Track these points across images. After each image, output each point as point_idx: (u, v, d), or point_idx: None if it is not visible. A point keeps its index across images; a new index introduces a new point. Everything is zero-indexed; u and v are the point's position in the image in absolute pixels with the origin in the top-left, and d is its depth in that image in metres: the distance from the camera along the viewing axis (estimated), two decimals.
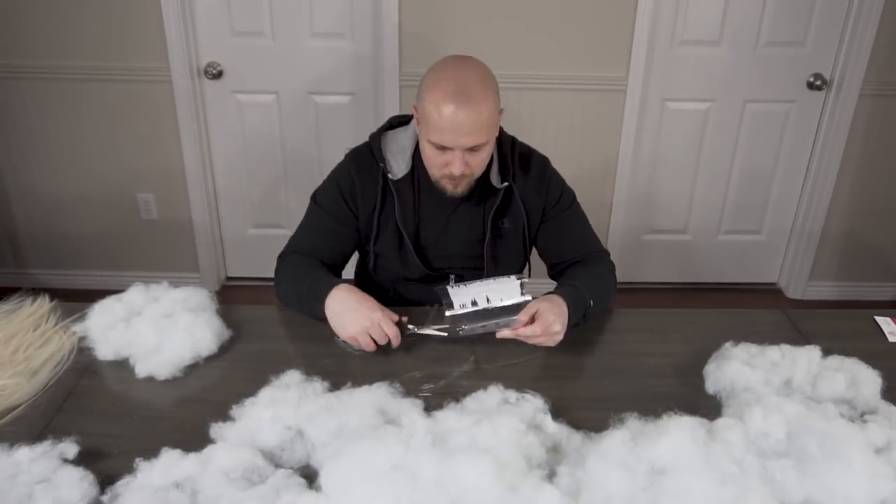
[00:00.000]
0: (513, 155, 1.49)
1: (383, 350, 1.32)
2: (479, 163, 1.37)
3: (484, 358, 1.32)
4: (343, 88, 2.68)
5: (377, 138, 1.47)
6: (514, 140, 1.52)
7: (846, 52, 2.62)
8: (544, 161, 1.54)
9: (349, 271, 1.61)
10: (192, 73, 2.59)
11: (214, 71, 2.61)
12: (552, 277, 1.59)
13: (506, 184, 1.45)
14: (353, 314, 1.29)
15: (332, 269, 1.51)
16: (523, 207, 1.49)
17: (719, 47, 2.65)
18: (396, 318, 1.32)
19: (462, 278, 1.53)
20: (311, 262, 1.46)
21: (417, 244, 1.50)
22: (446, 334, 1.33)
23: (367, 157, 1.48)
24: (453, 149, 1.31)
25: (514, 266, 1.57)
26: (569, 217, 1.54)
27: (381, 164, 1.44)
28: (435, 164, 1.37)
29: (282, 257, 1.50)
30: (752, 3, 2.58)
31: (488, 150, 1.37)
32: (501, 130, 1.51)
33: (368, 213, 1.47)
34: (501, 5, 2.51)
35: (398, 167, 1.45)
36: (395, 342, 1.30)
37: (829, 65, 2.68)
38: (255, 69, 2.64)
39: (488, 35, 2.53)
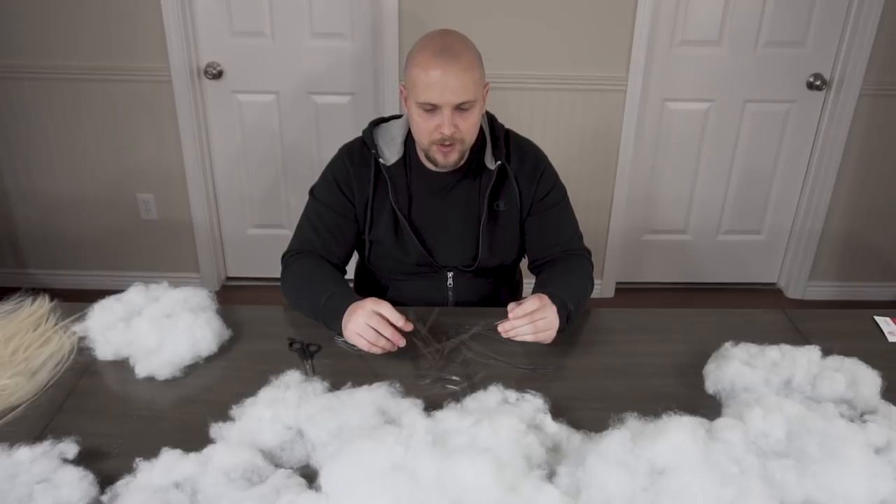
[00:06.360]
0: (507, 140, 1.50)
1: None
2: (468, 127, 1.35)
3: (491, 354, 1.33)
4: (343, 88, 2.68)
5: (368, 131, 1.49)
6: (509, 130, 1.53)
7: (846, 52, 2.62)
8: (541, 153, 1.54)
9: (349, 272, 1.61)
10: (192, 73, 2.59)
11: (214, 71, 2.62)
12: (531, 271, 1.58)
13: (499, 162, 1.45)
14: (349, 317, 1.27)
15: (339, 263, 1.51)
16: (517, 189, 1.49)
17: (719, 47, 2.65)
18: (401, 317, 1.25)
19: (461, 273, 1.53)
20: (318, 264, 1.45)
21: (413, 227, 1.49)
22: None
23: (359, 147, 1.49)
24: (441, 107, 1.31)
25: (509, 255, 1.55)
26: (556, 213, 1.53)
27: (374, 151, 1.46)
28: (425, 129, 1.35)
29: (286, 259, 1.49)
30: (752, 3, 2.58)
31: (476, 115, 1.36)
32: (496, 120, 1.52)
33: (364, 201, 1.48)
34: (502, 5, 2.51)
35: (390, 153, 1.47)
36: (400, 323, 1.23)
37: (829, 65, 2.68)
38: (255, 69, 2.64)
39: (488, 35, 2.52)
